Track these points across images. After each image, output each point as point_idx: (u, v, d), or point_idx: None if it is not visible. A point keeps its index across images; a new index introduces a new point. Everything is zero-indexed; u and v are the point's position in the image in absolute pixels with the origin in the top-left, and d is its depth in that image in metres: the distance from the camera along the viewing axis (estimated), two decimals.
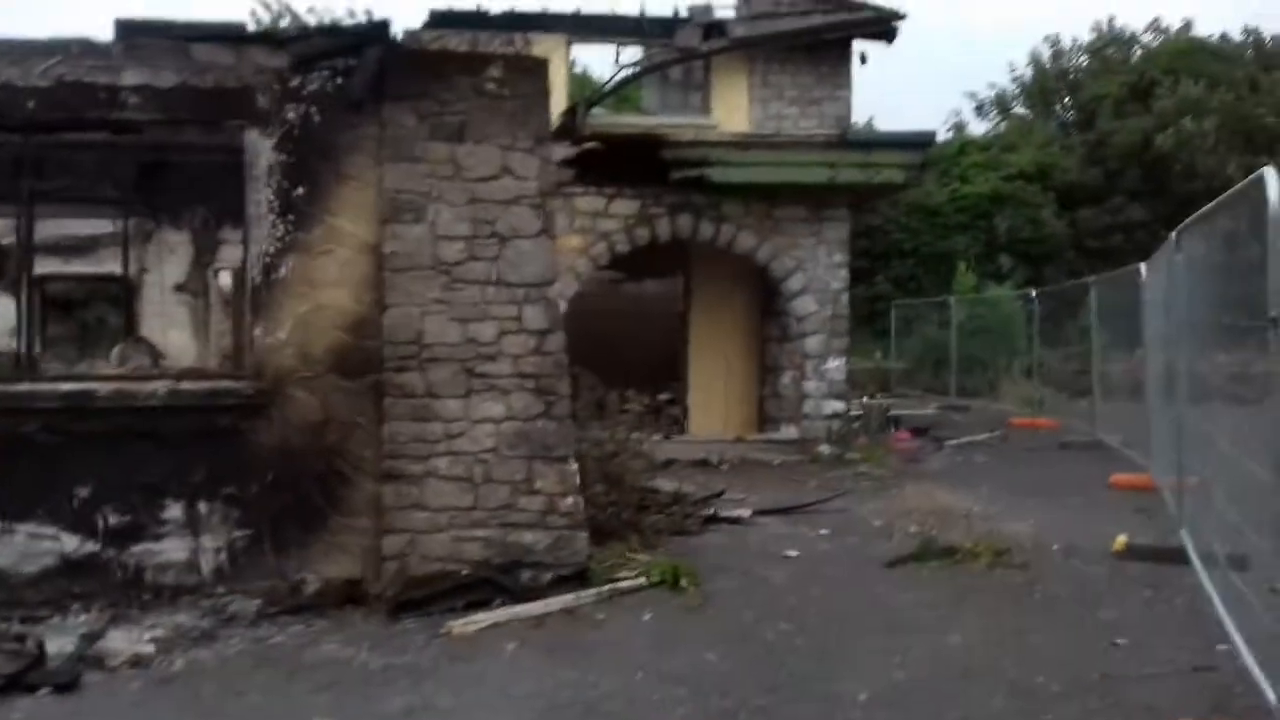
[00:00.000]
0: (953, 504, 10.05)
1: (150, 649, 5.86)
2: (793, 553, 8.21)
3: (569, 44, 14.69)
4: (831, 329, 13.72)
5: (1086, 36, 33.59)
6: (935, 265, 26.89)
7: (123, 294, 11.95)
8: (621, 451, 8.72)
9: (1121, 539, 8.09)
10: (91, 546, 6.52)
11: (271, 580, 6.67)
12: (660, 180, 13.18)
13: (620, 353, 16.83)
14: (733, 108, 14.22)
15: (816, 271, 13.62)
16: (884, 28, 14.30)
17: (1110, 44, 33.39)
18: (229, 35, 6.79)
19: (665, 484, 10.43)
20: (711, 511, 9.49)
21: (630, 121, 14.80)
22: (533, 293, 7.11)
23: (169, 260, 12.17)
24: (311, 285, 6.92)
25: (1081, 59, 33.77)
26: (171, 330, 12.20)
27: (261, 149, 6.85)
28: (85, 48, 6.64)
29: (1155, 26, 33.21)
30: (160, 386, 6.79)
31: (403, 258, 6.95)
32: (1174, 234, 8.03)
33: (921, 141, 14.00)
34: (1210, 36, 32.13)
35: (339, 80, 6.91)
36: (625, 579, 7.06)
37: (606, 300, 17.27)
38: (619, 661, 5.70)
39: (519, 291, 7.09)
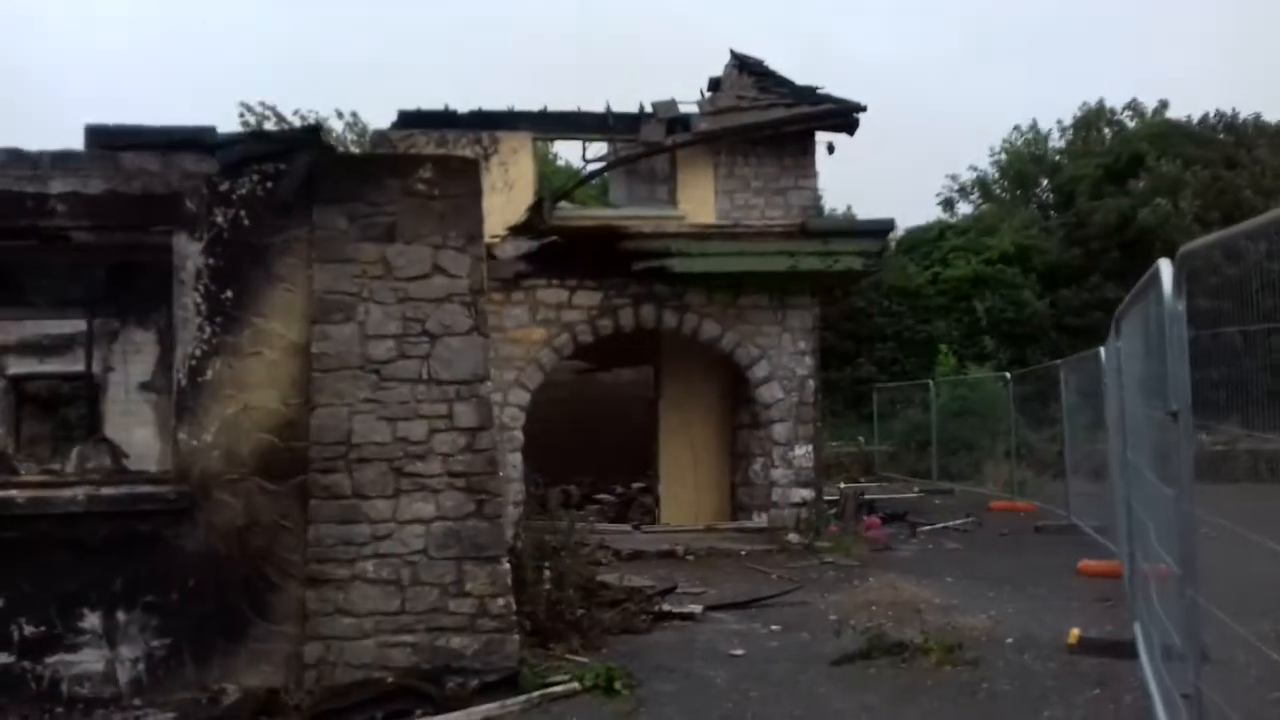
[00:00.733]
0: (915, 595, 9.86)
1: None
2: (739, 651, 8.01)
3: (535, 141, 14.89)
4: (798, 416, 13.64)
5: (1070, 118, 34.26)
6: (918, 348, 26.99)
7: (86, 393, 11.96)
8: (567, 547, 8.55)
9: (1075, 632, 7.91)
10: (6, 658, 6.37)
11: (191, 691, 6.49)
12: (624, 271, 13.25)
13: (593, 443, 16.82)
14: (699, 199, 14.35)
15: (781, 359, 13.60)
16: (845, 120, 14.49)
17: (1095, 123, 33.98)
18: (157, 142, 6.83)
19: (632, 577, 10.28)
20: (663, 608, 9.28)
21: (596, 214, 14.94)
22: (464, 390, 7.06)
23: (134, 359, 12.20)
24: (239, 387, 6.89)
25: (1060, 141, 34.41)
26: (136, 429, 12.16)
27: (189, 252, 6.89)
28: (13, 157, 6.73)
29: (1132, 107, 33.86)
30: (80, 493, 6.72)
31: (332, 358, 6.92)
32: (1114, 319, 8.00)
33: (880, 229, 14.12)
34: (1187, 118, 32.73)
35: (269, 184, 6.96)
36: (558, 684, 6.87)
37: (578, 390, 17.30)
38: None
39: (450, 389, 7.05)
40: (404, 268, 7.05)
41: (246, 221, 6.92)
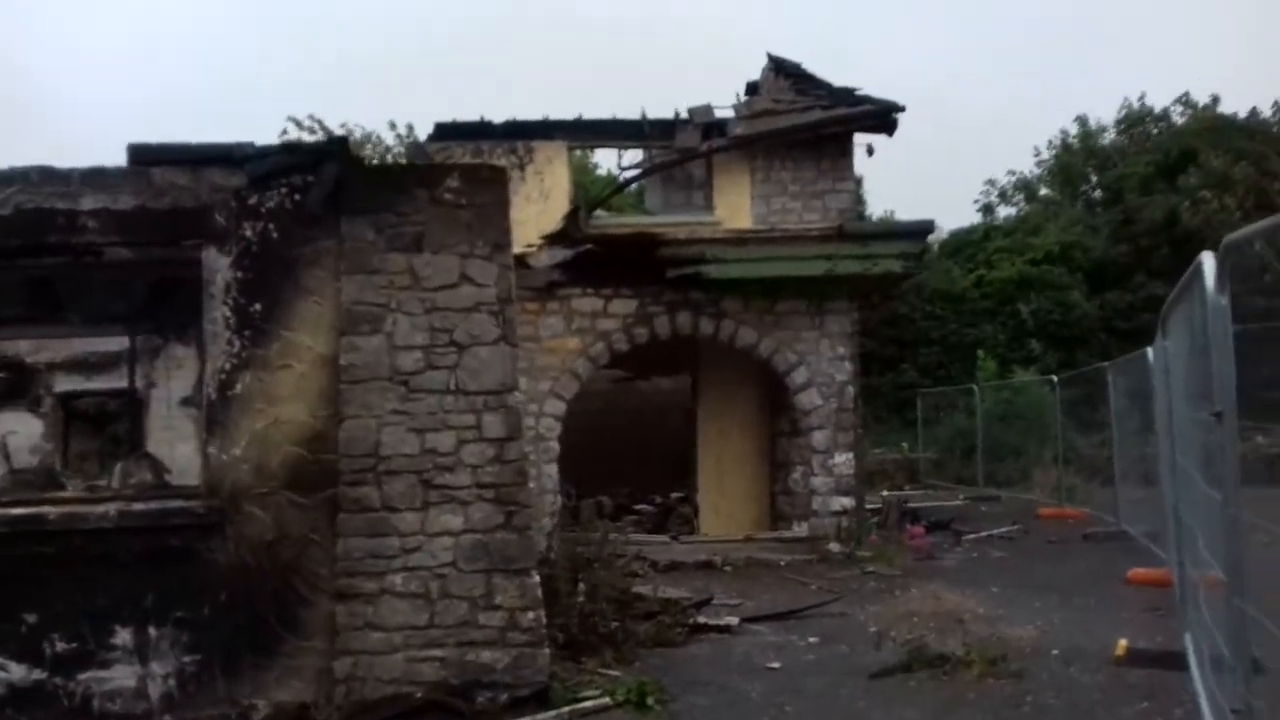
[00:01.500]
0: (958, 605, 9.61)
1: None
2: (775, 664, 7.86)
3: (570, 150, 14.86)
4: (837, 423, 13.44)
5: (1114, 115, 33.60)
6: (963, 352, 26.56)
7: (129, 409, 12.12)
8: (600, 559, 8.45)
9: (1123, 643, 7.67)
10: (39, 674, 6.40)
11: (221, 708, 6.48)
12: (659, 279, 13.15)
13: (632, 452, 16.72)
14: (735, 205, 14.22)
15: (820, 365, 13.42)
16: (884, 120, 14.29)
17: (1139, 121, 33.30)
18: (187, 157, 6.85)
19: (668, 589, 10.16)
20: (699, 620, 9.15)
21: (630, 222, 14.87)
22: (492, 400, 7.00)
23: (176, 375, 12.34)
24: (268, 401, 6.88)
25: (1108, 137, 33.73)
26: (179, 444, 12.29)
27: (219, 266, 6.89)
28: (45, 175, 6.78)
29: (1184, 101, 33.08)
30: (112, 508, 6.74)
31: (360, 369, 6.89)
32: (1159, 317, 7.76)
33: (920, 231, 13.87)
34: (1237, 113, 31.89)
35: (297, 197, 6.95)
36: (589, 698, 6.77)
37: (615, 400, 17.22)
38: None
39: (478, 400, 6.98)
40: (431, 278, 7.01)
41: (275, 234, 6.91)
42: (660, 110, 14.66)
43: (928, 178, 44.97)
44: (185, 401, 13.03)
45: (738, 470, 14.68)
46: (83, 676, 6.42)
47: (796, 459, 13.92)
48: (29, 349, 8.48)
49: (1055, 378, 19.09)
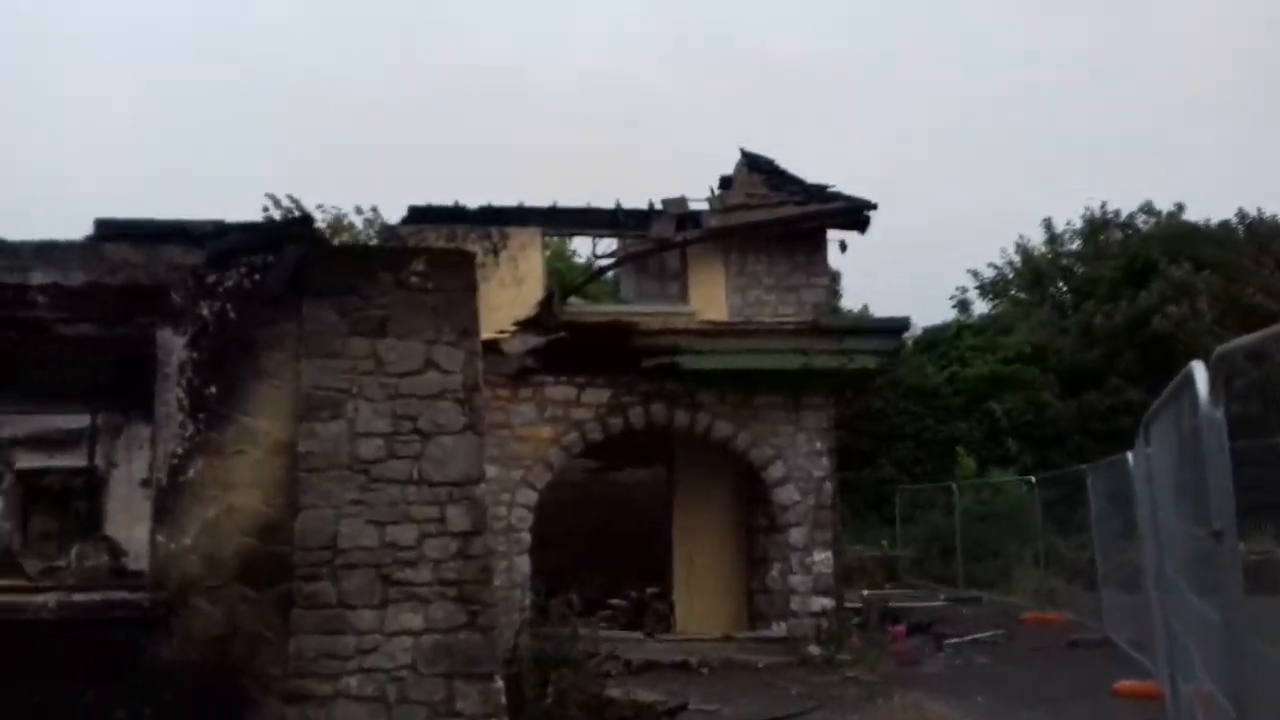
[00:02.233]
0: (943, 717, 9.25)
1: None
2: None
3: (545, 237, 14.77)
4: (815, 520, 13.12)
5: (1079, 220, 34.11)
6: (938, 448, 26.42)
7: (87, 490, 11.69)
8: (569, 660, 8.04)
9: None
10: None
11: None
12: (634, 369, 12.95)
13: (606, 545, 16.28)
14: (710, 296, 14.11)
15: (797, 460, 13.15)
16: (856, 217, 14.32)
17: (1102, 228, 33.82)
18: (142, 234, 6.63)
19: (641, 692, 9.72)
20: None
21: (605, 310, 14.73)
22: (457, 492, 6.69)
23: (138, 455, 11.94)
24: (222, 487, 6.55)
25: (1074, 243, 34.21)
26: (136, 526, 11.86)
27: (173, 346, 6.63)
28: None
29: (1146, 210, 33.67)
30: (51, 599, 6.33)
31: (318, 457, 6.59)
32: (1142, 423, 7.59)
33: (895, 328, 13.80)
34: (1207, 220, 32.43)
35: (257, 276, 6.73)
36: None
37: (590, 490, 16.83)
38: None
39: (442, 491, 6.68)
40: (395, 363, 6.77)
41: (233, 315, 6.67)
42: (634, 201, 14.65)
43: (900, 274, 45.45)
44: (145, 483, 12.65)
45: (714, 566, 14.28)
46: None
47: (775, 556, 13.55)
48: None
49: (1033, 478, 18.89)
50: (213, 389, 6.59)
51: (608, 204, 14.65)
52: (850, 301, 32.47)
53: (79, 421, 11.95)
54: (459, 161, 47.37)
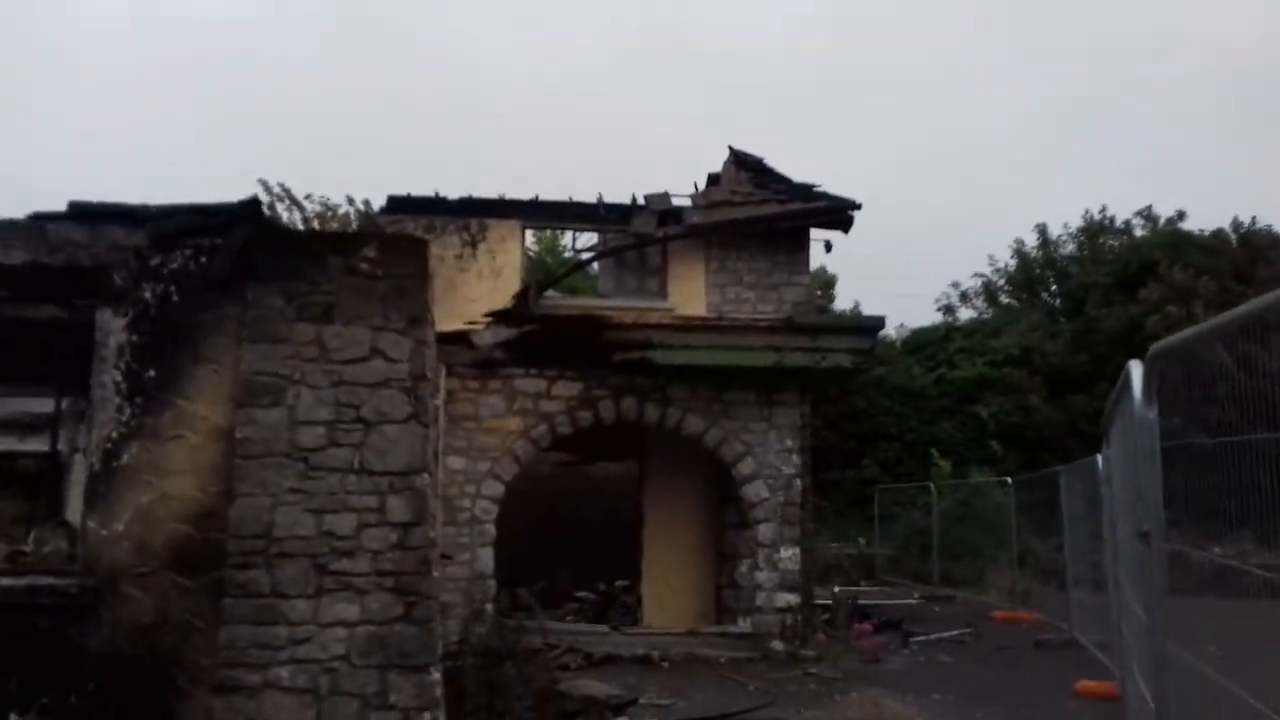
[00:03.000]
0: (897, 715, 9.20)
1: None
2: None
3: (524, 229, 14.66)
4: (783, 516, 13.04)
5: (1077, 223, 34.00)
6: (922, 449, 26.33)
7: (47, 475, 11.58)
8: (513, 654, 7.95)
9: None
10: None
11: None
12: (605, 363, 12.85)
13: (577, 538, 16.24)
14: (690, 293, 14.02)
15: (767, 457, 13.07)
16: (839, 217, 14.22)
17: (1100, 232, 33.71)
18: (86, 214, 6.52)
19: (594, 685, 9.64)
20: None
21: (579, 304, 14.63)
22: (398, 482, 6.59)
23: None
24: (157, 473, 6.45)
25: (1069, 247, 34.09)
26: None
27: (112, 328, 6.53)
28: None
29: (1145, 215, 33.54)
30: None
31: (256, 443, 6.49)
32: (1102, 424, 7.51)
33: (870, 327, 13.69)
34: (1202, 230, 32.29)
35: (202, 259, 6.62)
36: None
37: (561, 484, 16.79)
38: None
39: (383, 480, 6.58)
40: (340, 350, 6.66)
41: (176, 298, 6.57)
42: (617, 197, 14.55)
43: (894, 276, 45.43)
44: None
45: (683, 560, 14.20)
46: None
47: (744, 552, 13.48)
48: None
49: (1009, 479, 18.84)
50: (151, 372, 6.49)
51: (590, 198, 14.57)
52: (842, 302, 32.44)
53: (47, 405, 11.90)
54: (443, 162, 47.25)
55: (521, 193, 14.31)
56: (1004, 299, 34.37)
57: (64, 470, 12.58)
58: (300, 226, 22.91)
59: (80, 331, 8.48)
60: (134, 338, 6.51)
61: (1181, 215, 32.62)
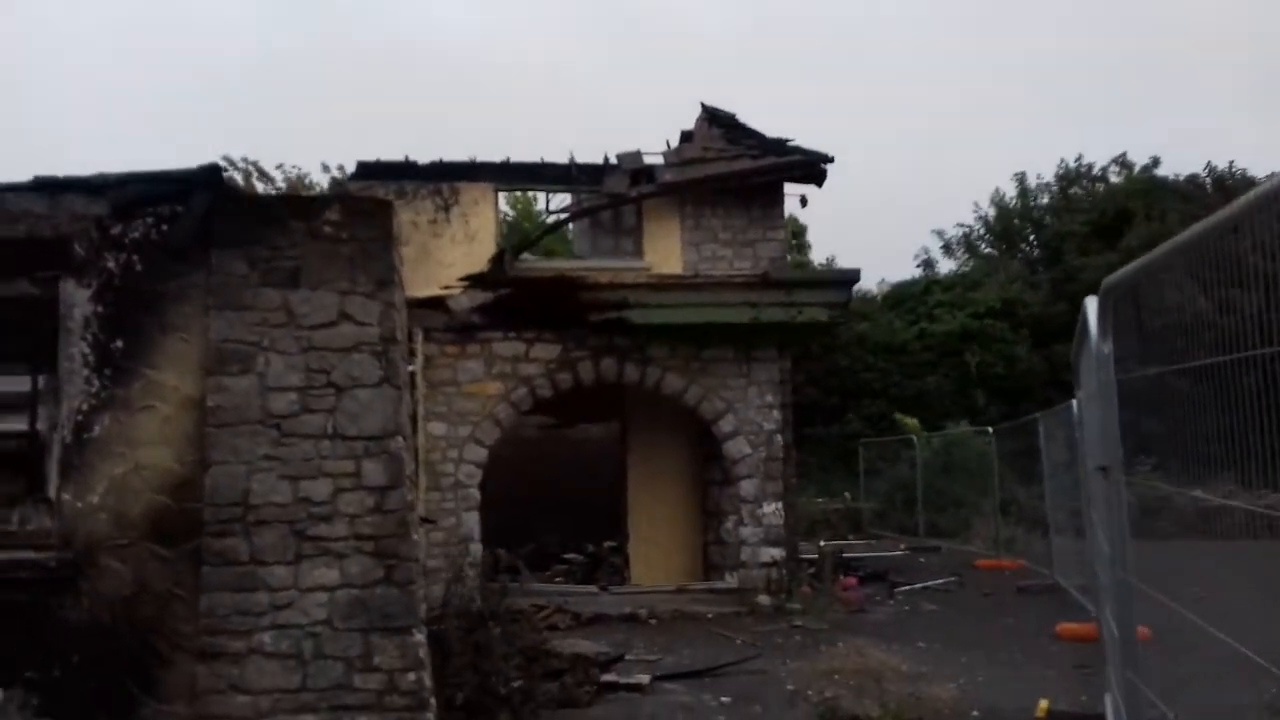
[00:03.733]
0: (881, 663, 9.25)
1: None
2: None
3: (497, 192, 14.55)
4: (766, 472, 13.11)
5: (1052, 173, 33.98)
6: (905, 404, 26.44)
7: (29, 452, 11.53)
8: (495, 614, 7.99)
9: (1044, 704, 7.35)
10: None
11: None
12: (583, 324, 12.83)
13: (563, 500, 16.27)
14: (666, 251, 13.98)
15: (748, 414, 13.11)
16: (812, 170, 14.17)
17: (1075, 180, 33.72)
18: (45, 184, 6.44)
19: (582, 644, 9.72)
20: (609, 678, 8.69)
21: (555, 266, 14.58)
22: (373, 446, 6.58)
23: None
24: (129, 444, 6.42)
25: (1045, 197, 34.09)
26: None
27: (77, 300, 6.46)
28: None
29: (1121, 162, 33.54)
30: None
31: (228, 411, 6.45)
32: (1071, 364, 7.54)
33: (845, 280, 13.71)
34: (1176, 176, 32.32)
35: (164, 227, 6.55)
36: None
37: (545, 447, 16.80)
38: None
39: (358, 445, 6.56)
40: (308, 315, 6.61)
41: (139, 267, 6.50)
42: (588, 156, 14.44)
43: (872, 229, 45.40)
44: None
45: (669, 519, 14.27)
46: None
47: (728, 509, 13.56)
48: None
49: (990, 429, 18.97)
50: (118, 343, 6.44)
51: (562, 159, 14.46)
52: (817, 255, 32.41)
53: (24, 384, 11.80)
54: (412, 123, 46.76)
55: (493, 156, 14.16)
56: (984, 249, 34.39)
57: (44, 448, 12.57)
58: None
59: (52, 306, 8.43)
60: (99, 309, 6.45)
61: (1156, 162, 32.71)
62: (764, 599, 12.67)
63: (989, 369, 27.31)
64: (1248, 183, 31.50)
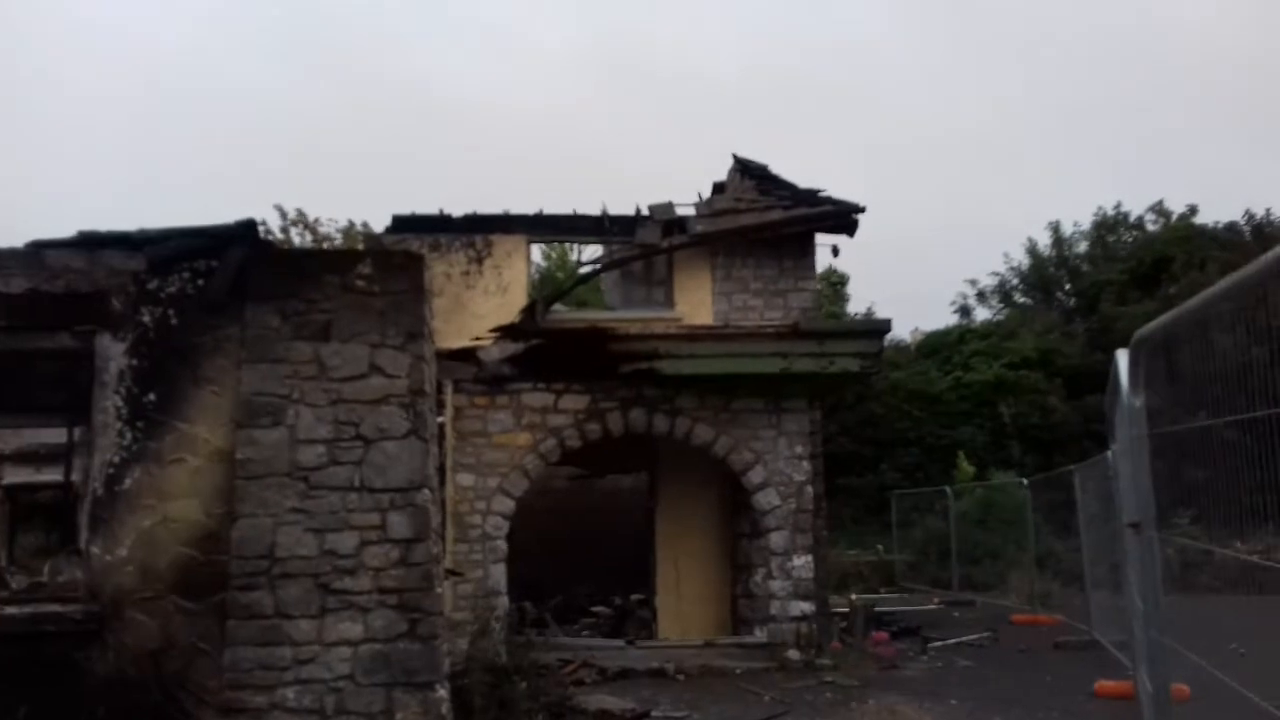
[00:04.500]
0: None
1: None
2: None
3: (529, 244, 14.68)
4: (796, 524, 12.97)
5: (1088, 222, 33.82)
6: (941, 454, 26.18)
7: (63, 504, 11.66)
8: (520, 669, 7.92)
9: None
10: None
11: None
12: (612, 374, 12.84)
13: (591, 552, 16.20)
14: (697, 302, 14.02)
15: (777, 464, 13.01)
16: (844, 221, 14.19)
17: (1112, 228, 33.51)
18: (87, 239, 6.57)
19: (608, 699, 9.62)
20: None
21: (585, 316, 14.63)
22: (399, 498, 6.60)
23: None
24: (159, 497, 6.48)
25: (1081, 245, 33.90)
26: None
27: (112, 353, 6.56)
28: None
29: (1158, 210, 33.29)
30: None
31: (257, 464, 6.51)
32: (1106, 417, 7.44)
33: (876, 330, 13.63)
34: (1215, 223, 32.04)
35: (200, 281, 6.65)
36: None
37: (574, 498, 16.76)
38: None
39: (384, 497, 6.59)
40: (339, 367, 6.68)
41: (174, 321, 6.60)
42: (621, 208, 14.55)
43: (904, 278, 45.30)
44: None
45: (698, 572, 14.14)
46: None
47: (757, 561, 13.41)
48: None
49: (1025, 480, 18.70)
50: (151, 396, 6.52)
51: (595, 210, 14.58)
52: (856, 305, 32.37)
53: (61, 436, 11.97)
54: (446, 175, 47.52)
55: (525, 208, 14.32)
56: (1019, 298, 34.18)
57: (78, 499, 12.70)
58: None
59: (88, 359, 8.56)
60: (134, 362, 6.54)
61: (1194, 210, 32.45)
62: (794, 654, 12.47)
63: (1024, 419, 27.00)
64: None
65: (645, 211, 14.55)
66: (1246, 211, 31.90)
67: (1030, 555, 17.84)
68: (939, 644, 13.82)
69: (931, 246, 52.26)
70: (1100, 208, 33.84)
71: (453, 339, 12.62)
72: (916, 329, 32.34)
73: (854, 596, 16.69)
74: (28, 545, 14.30)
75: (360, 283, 6.81)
